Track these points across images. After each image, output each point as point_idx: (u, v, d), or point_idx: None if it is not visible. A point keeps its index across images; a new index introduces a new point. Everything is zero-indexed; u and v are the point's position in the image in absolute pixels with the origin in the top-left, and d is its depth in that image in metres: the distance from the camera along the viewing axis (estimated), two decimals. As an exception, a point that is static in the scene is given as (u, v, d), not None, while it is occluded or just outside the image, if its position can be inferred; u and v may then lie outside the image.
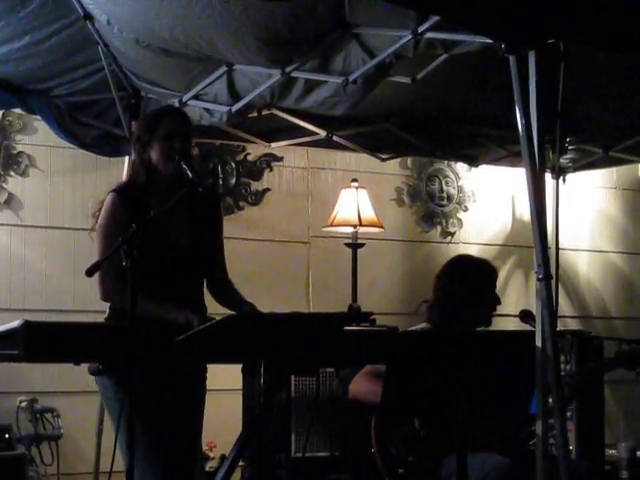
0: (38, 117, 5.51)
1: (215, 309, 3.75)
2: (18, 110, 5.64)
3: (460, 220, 7.20)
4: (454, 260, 4.65)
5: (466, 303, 4.35)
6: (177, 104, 4.96)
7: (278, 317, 3.44)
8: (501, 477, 3.98)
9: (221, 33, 4.21)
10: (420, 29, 3.88)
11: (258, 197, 6.61)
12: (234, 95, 4.85)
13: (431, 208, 7.14)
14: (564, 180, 6.59)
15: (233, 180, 6.55)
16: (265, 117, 5.43)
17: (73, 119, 5.40)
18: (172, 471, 3.53)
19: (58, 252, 5.98)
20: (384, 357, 3.59)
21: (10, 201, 5.91)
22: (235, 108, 4.89)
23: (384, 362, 3.66)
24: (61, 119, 5.35)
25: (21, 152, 5.96)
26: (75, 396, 5.74)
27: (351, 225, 6.24)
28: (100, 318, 3.68)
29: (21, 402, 5.69)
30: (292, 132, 5.99)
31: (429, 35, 3.91)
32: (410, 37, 3.92)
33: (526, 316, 4.41)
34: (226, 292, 3.79)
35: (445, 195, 7.19)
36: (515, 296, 7.08)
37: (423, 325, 4.40)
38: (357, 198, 6.25)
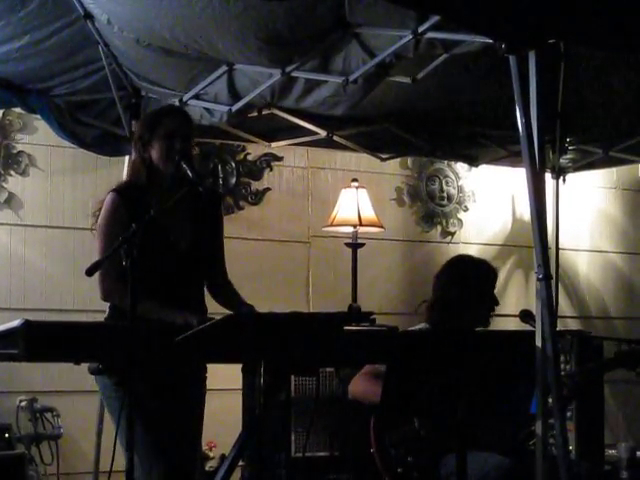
0: (38, 116, 5.51)
1: (215, 309, 3.75)
2: (18, 109, 5.64)
3: (460, 220, 7.20)
4: (453, 260, 4.65)
5: (464, 303, 4.35)
6: (177, 104, 4.96)
7: (278, 317, 3.44)
8: (501, 477, 3.98)
9: (221, 33, 4.21)
10: (420, 29, 3.88)
11: (258, 197, 6.61)
12: (234, 95, 4.85)
13: (431, 208, 7.13)
14: (564, 180, 6.59)
15: (233, 180, 6.55)
16: (265, 117, 5.43)
17: (73, 118, 5.40)
18: (172, 471, 3.53)
19: (58, 251, 5.98)
20: (384, 357, 3.59)
21: (10, 200, 5.91)
22: (235, 108, 4.89)
23: (384, 362, 3.66)
24: (61, 118, 5.35)
25: (21, 151, 5.96)
26: (75, 396, 5.74)
27: (351, 225, 6.24)
28: (100, 317, 3.68)
29: (21, 401, 5.68)
30: (292, 132, 5.99)
31: (429, 35, 3.90)
32: (410, 37, 3.92)
33: (526, 316, 4.41)
34: (225, 293, 3.79)
35: (445, 195, 7.19)
36: (515, 296, 7.08)
37: (422, 325, 4.40)
38: (357, 198, 6.25)
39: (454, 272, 4.47)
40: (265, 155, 6.61)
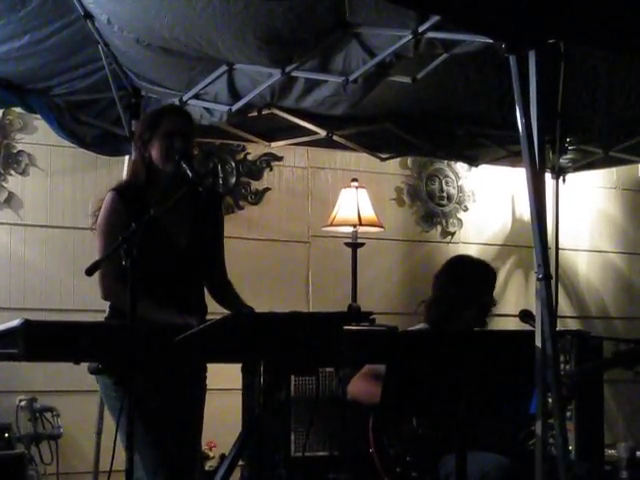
0: (38, 116, 5.51)
1: (215, 309, 3.75)
2: (18, 109, 5.64)
3: (460, 220, 7.20)
4: (453, 260, 4.65)
5: (462, 303, 4.36)
6: (177, 103, 4.96)
7: (278, 317, 3.44)
8: (500, 477, 3.99)
9: (221, 32, 4.21)
10: (420, 29, 3.88)
11: (258, 196, 6.60)
12: (234, 94, 4.85)
13: (431, 208, 7.13)
14: (564, 180, 6.59)
15: (233, 179, 6.55)
16: (265, 117, 5.43)
17: (73, 118, 5.40)
18: (172, 470, 3.53)
19: (58, 251, 5.98)
20: (384, 357, 3.59)
21: (10, 200, 5.91)
22: (235, 107, 4.90)
23: (383, 362, 3.66)
24: (61, 118, 5.36)
25: (21, 151, 5.95)
26: (75, 395, 5.73)
27: (351, 225, 6.24)
28: (100, 317, 3.68)
29: (20, 401, 5.68)
30: (292, 132, 5.99)
31: (429, 35, 3.91)
32: (410, 37, 3.93)
33: (526, 316, 4.42)
34: (225, 293, 3.78)
35: (445, 195, 7.19)
36: (515, 296, 7.08)
37: (421, 325, 4.41)
38: (357, 198, 6.25)
39: (453, 272, 4.48)
40: (265, 155, 6.61)
